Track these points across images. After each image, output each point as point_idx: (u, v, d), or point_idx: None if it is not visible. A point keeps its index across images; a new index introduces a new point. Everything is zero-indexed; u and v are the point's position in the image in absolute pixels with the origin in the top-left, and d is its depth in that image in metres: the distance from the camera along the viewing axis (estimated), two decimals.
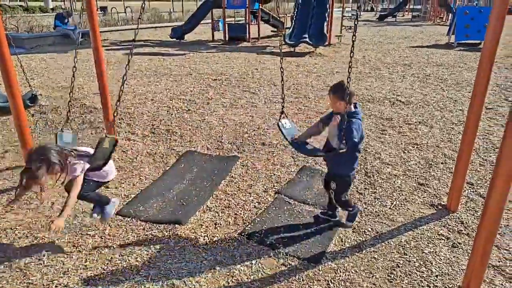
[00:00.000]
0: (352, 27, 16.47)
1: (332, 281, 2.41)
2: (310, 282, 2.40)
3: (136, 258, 2.61)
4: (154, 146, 4.52)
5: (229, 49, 11.75)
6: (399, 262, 2.57)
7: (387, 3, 35.75)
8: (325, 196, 3.11)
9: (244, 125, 5.12)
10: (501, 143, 1.94)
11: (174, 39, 13.61)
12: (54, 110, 5.59)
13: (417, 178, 3.73)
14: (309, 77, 7.92)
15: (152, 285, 2.36)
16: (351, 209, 2.95)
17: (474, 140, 2.93)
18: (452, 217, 3.10)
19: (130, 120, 5.27)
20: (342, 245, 2.76)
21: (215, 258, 2.61)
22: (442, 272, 2.49)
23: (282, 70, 2.97)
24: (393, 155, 4.23)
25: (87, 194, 2.56)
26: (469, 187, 3.55)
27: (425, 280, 2.41)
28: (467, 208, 3.22)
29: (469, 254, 2.27)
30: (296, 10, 12.45)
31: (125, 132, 4.92)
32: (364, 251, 2.69)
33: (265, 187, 3.59)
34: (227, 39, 13.58)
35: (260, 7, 14.53)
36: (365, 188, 3.54)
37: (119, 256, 2.62)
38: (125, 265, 2.53)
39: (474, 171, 3.84)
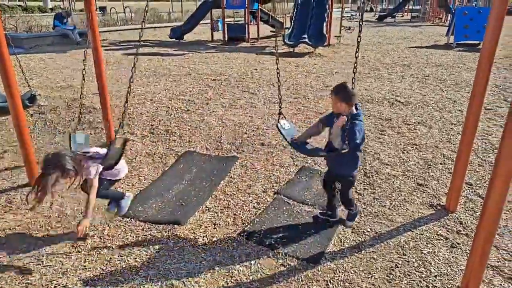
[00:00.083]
0: (352, 28, 16.51)
1: (331, 281, 2.41)
2: (309, 282, 2.40)
3: (135, 258, 2.61)
4: (153, 146, 4.52)
5: (228, 50, 11.75)
6: (398, 263, 2.58)
7: (386, 4, 35.79)
8: (324, 197, 3.11)
9: (243, 125, 5.12)
10: (500, 144, 1.94)
11: (173, 39, 13.61)
12: (53, 110, 5.58)
13: (416, 179, 3.73)
14: (308, 77, 7.93)
15: (151, 285, 2.36)
16: (353, 208, 2.97)
17: (473, 140, 2.94)
18: (451, 217, 3.10)
19: (129, 121, 5.26)
20: (341, 246, 2.76)
21: (214, 259, 2.61)
22: (441, 272, 2.49)
23: (278, 71, 2.99)
24: (392, 155, 4.24)
25: (103, 192, 2.72)
26: (468, 187, 3.55)
27: (424, 280, 2.42)
28: (466, 209, 3.22)
29: (468, 255, 2.27)
30: (295, 10, 12.46)
31: (124, 132, 4.91)
32: (363, 251, 2.69)
33: (264, 187, 3.59)
34: (226, 39, 13.58)
35: (260, 7, 14.54)
36: (364, 189, 3.54)
37: (118, 256, 2.62)
38: (124, 266, 2.53)
39: (473, 172, 3.84)
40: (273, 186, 3.62)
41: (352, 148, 2.52)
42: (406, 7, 29.20)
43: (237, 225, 3.01)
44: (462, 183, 3.12)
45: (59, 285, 2.36)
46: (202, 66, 8.96)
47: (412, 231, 2.92)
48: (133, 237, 2.84)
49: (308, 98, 6.37)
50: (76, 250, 2.69)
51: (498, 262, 2.58)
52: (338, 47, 12.13)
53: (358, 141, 2.53)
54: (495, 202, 1.99)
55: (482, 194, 3.39)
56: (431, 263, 2.57)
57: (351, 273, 2.48)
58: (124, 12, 20.80)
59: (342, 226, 2.96)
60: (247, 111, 5.68)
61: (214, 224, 3.02)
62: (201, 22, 14.58)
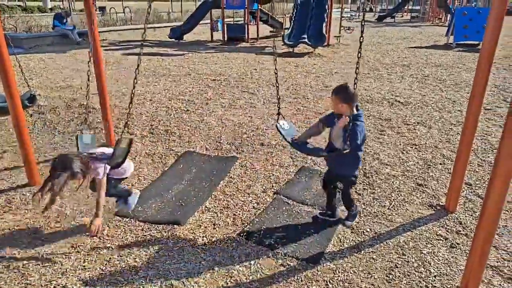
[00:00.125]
0: (351, 28, 16.52)
1: (331, 281, 2.41)
2: (309, 282, 2.40)
3: (135, 258, 2.60)
4: (152, 146, 4.52)
5: (228, 50, 11.75)
6: (397, 263, 2.58)
7: (386, 4, 35.80)
8: (324, 197, 3.11)
9: (242, 125, 5.12)
10: (499, 144, 1.94)
11: (173, 40, 13.61)
12: (53, 110, 5.58)
13: (416, 179, 3.73)
14: (308, 77, 7.93)
15: (151, 285, 2.36)
16: (353, 208, 2.98)
17: (472, 140, 2.94)
18: (450, 217, 3.10)
19: (129, 121, 5.25)
20: (341, 246, 2.76)
21: (213, 259, 2.61)
22: (440, 272, 2.49)
23: (276, 72, 2.99)
24: (392, 155, 4.24)
25: (111, 191, 2.83)
26: (468, 187, 3.55)
27: (423, 280, 2.42)
28: (466, 209, 3.22)
29: (468, 255, 2.27)
30: (295, 10, 12.47)
31: (123, 132, 4.91)
32: (362, 251, 2.69)
33: (264, 187, 3.59)
34: (226, 39, 13.58)
35: (259, 7, 14.54)
36: (364, 189, 3.54)
37: (118, 256, 2.62)
38: (123, 266, 2.53)
39: (472, 172, 3.85)
40: (272, 186, 3.62)
41: (353, 148, 2.53)
42: (405, 7, 29.21)
43: (237, 225, 3.01)
44: (461, 183, 3.12)
45: (58, 285, 2.36)
46: (201, 66, 8.96)
47: (412, 231, 2.92)
48: (133, 237, 2.84)
49: (307, 98, 6.37)
50: (76, 250, 2.68)
51: (497, 262, 2.58)
52: (338, 47, 12.13)
53: (359, 142, 2.54)
54: (494, 202, 1.99)
55: (482, 194, 3.39)
56: (430, 263, 2.57)
57: (351, 273, 2.48)
58: (124, 12, 20.79)
59: (342, 226, 2.96)
60: (247, 111, 5.68)
61: (214, 224, 3.01)
62: (200, 22, 14.59)
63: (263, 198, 3.41)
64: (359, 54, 2.49)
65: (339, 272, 2.49)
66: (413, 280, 2.42)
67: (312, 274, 2.47)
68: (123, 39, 14.17)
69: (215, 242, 2.79)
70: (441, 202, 3.31)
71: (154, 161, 4.15)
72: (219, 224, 3.02)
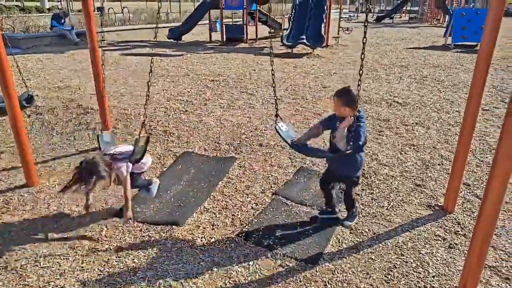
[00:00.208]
0: (350, 29, 16.53)
1: (330, 282, 2.41)
2: (308, 283, 2.40)
3: (133, 259, 2.60)
4: (151, 147, 4.50)
5: (227, 50, 11.75)
6: (396, 263, 2.58)
7: (385, 5, 35.87)
8: (322, 197, 3.11)
9: (241, 126, 5.12)
10: (497, 144, 1.95)
11: (172, 40, 13.60)
12: (51, 111, 5.56)
13: (414, 179, 3.74)
14: (307, 78, 7.94)
15: (149, 286, 2.35)
16: (354, 209, 2.99)
17: (470, 141, 2.94)
18: (448, 218, 3.11)
19: (127, 121, 5.25)
20: (340, 246, 2.76)
21: (212, 259, 2.60)
22: (439, 272, 2.49)
23: (273, 73, 3.00)
24: (390, 156, 4.24)
25: (134, 184, 3.05)
26: (466, 188, 3.56)
27: (422, 280, 2.42)
28: (464, 209, 3.23)
29: (466, 255, 2.28)
30: (293, 11, 12.47)
31: (122, 133, 4.91)
32: (361, 252, 2.69)
33: (263, 188, 3.59)
34: (224, 40, 13.58)
35: (258, 8, 14.54)
36: (362, 189, 3.54)
37: (116, 257, 2.61)
38: (122, 267, 2.52)
39: (470, 172, 3.86)
40: (271, 187, 3.62)
41: (355, 149, 2.54)
42: (404, 8, 29.27)
43: (235, 226, 3.01)
44: (459, 183, 3.13)
45: (56, 286, 2.35)
46: (200, 67, 8.95)
47: (410, 232, 2.92)
48: (131, 238, 2.83)
49: (306, 99, 6.37)
50: (74, 251, 2.68)
51: (495, 262, 2.59)
52: (336, 48, 12.15)
53: (361, 143, 2.57)
54: (492, 203, 2.00)
55: (480, 195, 3.40)
56: (429, 264, 2.57)
57: (349, 273, 2.48)
58: (122, 13, 20.78)
59: (341, 226, 2.97)
60: (245, 112, 5.68)
61: (212, 225, 3.01)
62: (199, 23, 14.58)
63: (262, 199, 3.40)
64: (363, 55, 2.35)
65: (337, 272, 2.49)
66: (412, 281, 2.42)
67: (310, 275, 2.47)
68: (122, 39, 14.15)
69: (213, 243, 2.79)
70: (440, 203, 3.32)
71: (152, 162, 4.14)
72: (218, 225, 3.01)
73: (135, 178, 3.07)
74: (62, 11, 16.45)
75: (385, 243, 2.79)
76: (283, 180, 3.73)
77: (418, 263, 2.57)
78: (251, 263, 2.57)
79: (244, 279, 2.43)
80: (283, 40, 11.17)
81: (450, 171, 3.22)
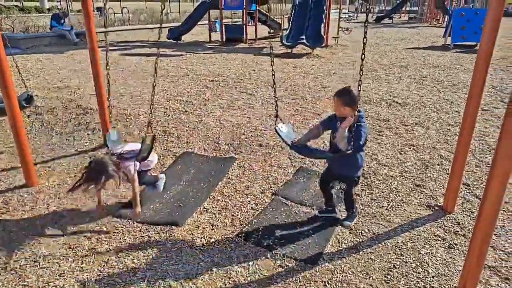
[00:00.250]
0: (349, 29, 16.53)
1: (329, 282, 2.41)
2: (307, 283, 2.40)
3: (133, 260, 2.60)
4: None
5: (226, 50, 11.75)
6: (395, 263, 2.58)
7: (384, 5, 35.90)
8: (322, 197, 3.11)
9: (241, 126, 5.12)
10: (497, 144, 1.95)
11: (171, 40, 13.60)
12: (50, 111, 5.56)
13: (414, 179, 3.74)
14: (306, 78, 7.94)
15: (149, 286, 2.35)
16: (354, 210, 2.99)
17: (470, 141, 2.94)
18: (448, 218, 3.11)
19: (127, 121, 5.25)
20: (339, 246, 2.76)
21: (212, 260, 2.60)
22: (438, 273, 2.49)
23: (273, 74, 3.00)
24: (390, 156, 4.24)
25: (141, 181, 3.13)
26: (465, 188, 3.56)
27: (421, 281, 2.42)
28: (463, 209, 3.23)
29: (465, 255, 2.27)
30: (293, 11, 12.48)
31: (122, 133, 4.90)
32: (361, 252, 2.69)
33: (262, 188, 3.59)
34: (224, 40, 13.58)
35: (257, 8, 14.54)
36: (362, 189, 3.54)
37: (116, 258, 2.61)
38: (121, 267, 2.52)
39: (470, 172, 3.86)
40: (271, 187, 3.62)
41: (355, 148, 2.55)
42: (403, 8, 29.29)
43: (235, 226, 3.01)
44: (459, 183, 3.13)
45: (56, 286, 2.35)
46: (200, 67, 8.95)
47: (410, 232, 2.92)
48: (131, 238, 2.83)
49: (306, 99, 6.37)
50: (73, 251, 2.67)
51: (495, 262, 2.59)
52: (336, 48, 12.15)
53: (361, 143, 2.57)
54: (492, 203, 2.00)
55: (479, 195, 3.40)
56: (428, 264, 2.57)
57: (349, 273, 2.48)
58: (122, 13, 20.76)
59: (340, 226, 2.97)
60: (245, 112, 5.68)
61: (212, 225, 3.01)
62: (199, 23, 14.58)
63: (261, 199, 3.40)
64: (363, 55, 2.46)
65: (337, 272, 2.49)
66: (411, 281, 2.42)
67: (310, 275, 2.47)
68: (121, 39, 14.15)
69: (213, 243, 2.79)
70: (439, 203, 3.32)
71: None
72: (218, 225, 3.01)
73: (142, 175, 3.16)
74: (61, 11, 16.46)
75: (384, 243, 2.79)
76: (283, 180, 3.73)
77: (418, 263, 2.58)
78: (250, 263, 2.57)
79: (244, 279, 2.42)
80: (282, 40, 11.18)
81: (449, 171, 3.22)
